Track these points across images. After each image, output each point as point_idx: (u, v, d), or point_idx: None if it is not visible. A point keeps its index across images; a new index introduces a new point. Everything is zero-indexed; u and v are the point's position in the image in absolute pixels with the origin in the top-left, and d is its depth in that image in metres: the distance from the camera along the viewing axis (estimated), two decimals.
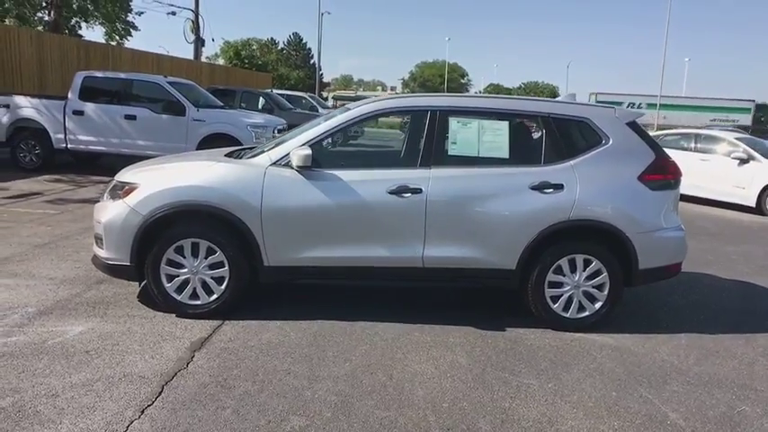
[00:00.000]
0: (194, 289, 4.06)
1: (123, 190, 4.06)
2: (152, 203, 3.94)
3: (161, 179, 4.06)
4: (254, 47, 35.04)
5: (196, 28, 23.90)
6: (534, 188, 4.08)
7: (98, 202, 4.38)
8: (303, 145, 4.04)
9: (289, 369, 3.41)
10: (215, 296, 4.07)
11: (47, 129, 10.09)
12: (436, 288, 4.97)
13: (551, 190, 4.09)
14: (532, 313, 4.24)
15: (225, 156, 4.44)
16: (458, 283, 4.35)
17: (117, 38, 34.91)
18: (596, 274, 4.19)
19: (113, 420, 2.79)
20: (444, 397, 3.19)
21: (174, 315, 4.08)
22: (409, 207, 4.02)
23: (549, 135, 4.23)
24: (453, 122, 4.21)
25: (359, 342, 3.85)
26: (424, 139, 4.18)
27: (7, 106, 10.11)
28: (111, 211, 4.04)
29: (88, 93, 10.13)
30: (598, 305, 4.23)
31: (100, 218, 4.11)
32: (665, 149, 4.52)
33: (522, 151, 4.30)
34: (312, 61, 72.65)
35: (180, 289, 4.06)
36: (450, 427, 2.90)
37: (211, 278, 4.05)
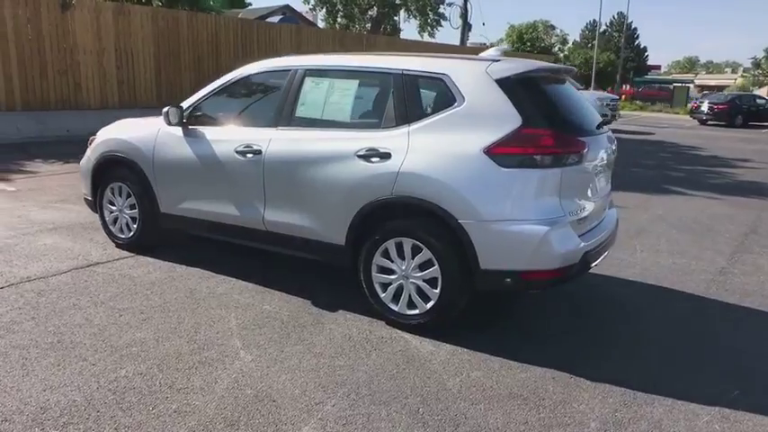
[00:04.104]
0: (122, 224, 4.93)
1: (90, 140, 5.17)
2: (97, 152, 4.93)
3: (106, 133, 5.01)
4: (540, 29, 34.05)
5: (464, 13, 24.79)
6: (361, 156, 3.56)
7: None
8: (179, 106, 4.41)
9: (96, 295, 3.93)
10: (131, 233, 4.85)
11: None
12: None
13: (378, 159, 3.51)
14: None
15: None
16: (297, 253, 4.08)
17: (429, 29, 38.21)
18: (427, 265, 3.43)
19: None
20: (149, 342, 3.28)
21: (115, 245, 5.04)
22: (250, 167, 4.01)
23: (397, 95, 3.58)
24: (308, 82, 3.95)
25: (188, 291, 4.07)
26: (279, 100, 4.06)
27: None
28: (83, 157, 5.19)
29: None
30: (430, 304, 3.46)
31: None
32: None
33: (365, 114, 3.76)
34: (637, 42, 65.55)
35: (115, 223, 4.98)
36: (112, 365, 3.02)
37: (130, 217, 4.85)
